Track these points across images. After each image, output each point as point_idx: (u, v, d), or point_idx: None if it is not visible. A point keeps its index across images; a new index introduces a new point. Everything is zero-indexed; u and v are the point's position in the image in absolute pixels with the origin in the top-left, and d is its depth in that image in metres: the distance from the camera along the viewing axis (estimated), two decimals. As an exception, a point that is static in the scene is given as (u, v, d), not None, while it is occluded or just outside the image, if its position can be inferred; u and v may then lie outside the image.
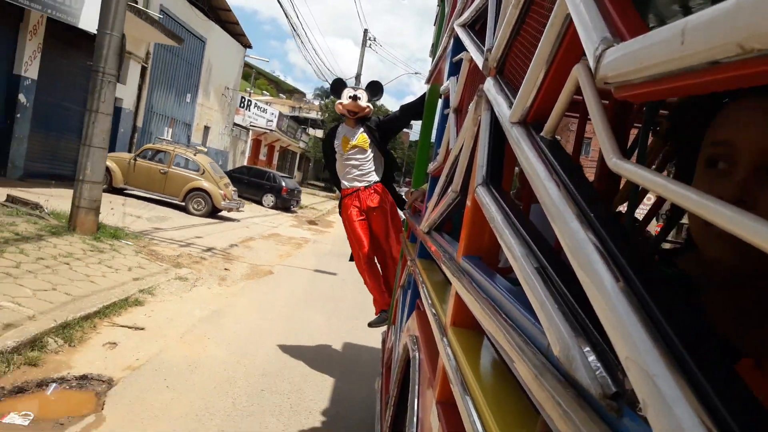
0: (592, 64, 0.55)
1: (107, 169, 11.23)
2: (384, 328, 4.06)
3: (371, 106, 4.19)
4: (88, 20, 9.61)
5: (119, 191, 12.40)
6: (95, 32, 7.15)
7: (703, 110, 0.82)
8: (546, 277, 0.66)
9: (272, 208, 18.17)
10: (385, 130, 4.22)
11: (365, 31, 25.99)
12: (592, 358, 0.49)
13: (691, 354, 0.36)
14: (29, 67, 10.32)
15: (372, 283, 4.22)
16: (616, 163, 0.53)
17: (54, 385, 3.25)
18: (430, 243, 1.74)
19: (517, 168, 1.07)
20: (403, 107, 4.21)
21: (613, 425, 0.44)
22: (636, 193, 1.50)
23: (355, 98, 4.05)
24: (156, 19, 11.07)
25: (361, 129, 4.15)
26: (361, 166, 4.14)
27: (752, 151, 0.66)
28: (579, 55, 0.65)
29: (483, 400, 0.83)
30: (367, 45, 24.64)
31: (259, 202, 18.13)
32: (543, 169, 0.69)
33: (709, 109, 0.77)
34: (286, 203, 18.43)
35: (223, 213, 13.24)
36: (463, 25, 1.81)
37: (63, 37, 10.82)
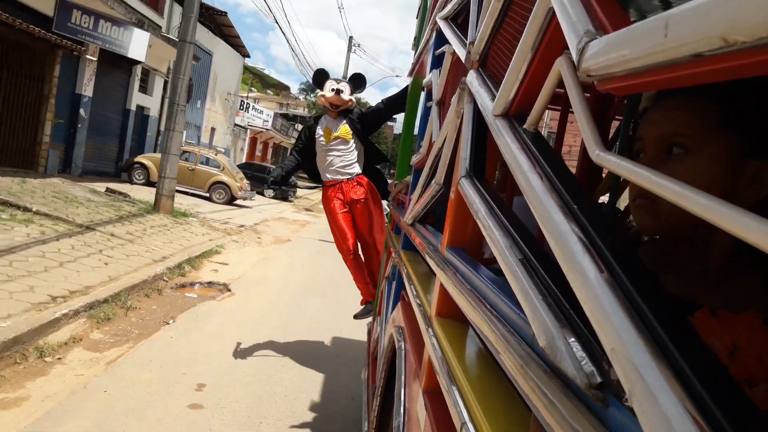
0: (575, 56, 0.56)
1: (144, 165, 14.89)
2: (369, 319, 4.07)
3: (354, 100, 4.17)
4: (134, 51, 13.57)
5: (153, 185, 13.53)
6: (139, 59, 13.65)
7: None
8: (530, 269, 0.66)
9: (273, 198, 21.41)
10: (367, 122, 4.20)
11: (350, 39, 28.41)
12: (577, 348, 0.50)
13: (676, 345, 0.37)
14: (87, 87, 13.47)
15: (356, 275, 4.22)
16: (599, 156, 0.53)
17: (197, 284, 6.47)
18: (414, 235, 1.74)
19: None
20: (385, 100, 4.18)
21: (600, 415, 0.45)
22: (617, 184, 1.52)
23: (338, 92, 4.02)
24: (176, 41, 12.81)
25: (344, 121, 4.13)
26: (343, 158, 4.12)
27: (651, 140, 0.83)
28: (562, 48, 0.65)
29: (469, 389, 0.83)
30: (353, 51, 26.41)
31: (261, 193, 20.72)
32: (526, 161, 0.69)
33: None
34: (284, 194, 21.71)
35: (239, 201, 16.44)
36: (445, 18, 1.81)
37: (111, 62, 14.15)
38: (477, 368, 0.95)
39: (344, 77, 4.30)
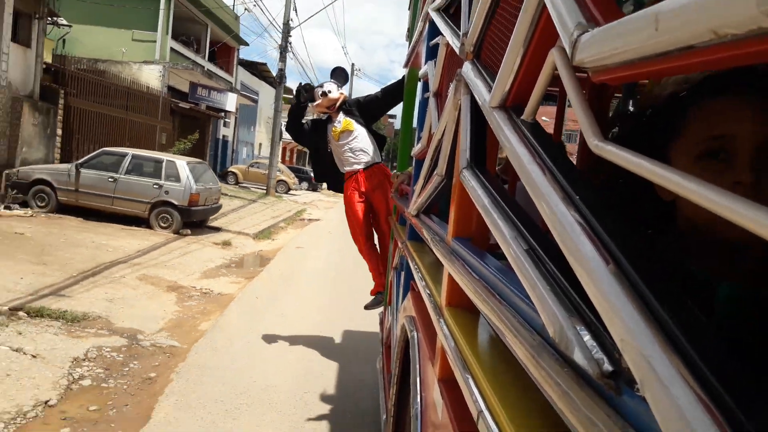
0: (568, 48, 0.56)
1: (234, 173, 24.54)
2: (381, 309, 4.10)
3: (344, 93, 4.31)
4: (228, 105, 21.58)
5: (239, 184, 24.11)
6: (230, 110, 22.71)
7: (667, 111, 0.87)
8: (536, 259, 0.67)
9: (307, 189, 30.14)
10: (366, 110, 4.30)
11: (352, 65, 36.54)
12: (587, 338, 0.50)
13: (686, 335, 0.38)
14: (225, 131, 25.35)
15: (371, 264, 4.29)
16: (598, 146, 0.54)
17: (306, 219, 16.28)
18: (420, 226, 1.75)
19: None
20: (383, 89, 4.30)
21: (613, 404, 0.46)
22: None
23: (324, 94, 4.16)
24: (240, 90, 24.05)
25: (342, 115, 4.22)
26: (352, 147, 4.21)
27: (750, 141, 0.75)
28: (555, 38, 0.65)
29: (483, 377, 0.85)
30: (356, 75, 32.90)
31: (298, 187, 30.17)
32: (526, 152, 0.70)
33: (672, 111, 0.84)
34: (314, 187, 30.65)
35: (292, 192, 25.82)
36: (437, 10, 1.80)
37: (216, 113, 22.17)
38: (490, 356, 0.97)
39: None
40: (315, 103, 4.21)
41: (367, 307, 4.34)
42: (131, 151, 10.27)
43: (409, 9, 3.76)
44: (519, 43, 0.72)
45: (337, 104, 4.21)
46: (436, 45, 1.79)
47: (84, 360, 3.88)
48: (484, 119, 0.95)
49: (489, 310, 0.83)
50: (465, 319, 1.13)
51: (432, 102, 1.77)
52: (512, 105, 0.79)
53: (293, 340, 4.87)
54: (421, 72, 2.31)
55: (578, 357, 0.50)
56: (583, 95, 0.59)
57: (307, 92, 4.23)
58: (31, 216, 9.10)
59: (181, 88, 18.54)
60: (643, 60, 0.45)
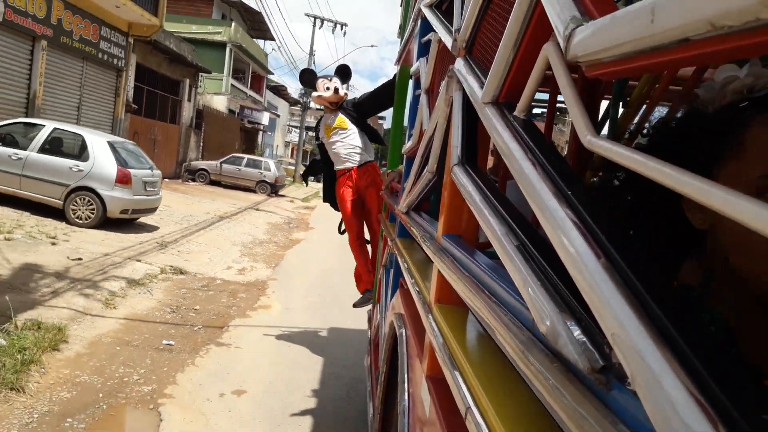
0: (562, 43, 0.56)
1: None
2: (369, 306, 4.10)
3: (347, 92, 4.37)
4: (264, 121, 30.22)
5: None
6: (265, 124, 32.66)
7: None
8: (527, 255, 0.67)
9: (313, 181, 34.61)
10: (361, 110, 4.35)
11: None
12: (577, 333, 0.50)
13: (677, 328, 0.37)
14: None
15: (360, 260, 4.29)
16: (591, 141, 0.54)
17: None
18: (410, 223, 1.75)
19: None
20: (377, 88, 4.33)
21: (603, 399, 0.46)
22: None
23: (336, 90, 4.19)
24: (268, 108, 32.51)
25: (339, 113, 4.27)
26: (345, 145, 4.25)
27: None
28: (548, 34, 0.65)
29: (472, 374, 0.84)
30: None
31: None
32: (518, 149, 0.70)
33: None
34: (318, 179, 37.51)
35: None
36: (429, 6, 1.79)
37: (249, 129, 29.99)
38: (479, 353, 0.96)
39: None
40: (317, 94, 4.25)
41: (355, 305, 4.34)
42: (245, 157, 20.64)
43: (401, 5, 3.76)
44: (512, 38, 0.72)
45: (340, 102, 4.26)
46: (428, 42, 1.78)
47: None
48: (475, 116, 0.94)
49: (478, 307, 0.83)
50: (454, 316, 1.12)
51: (423, 99, 1.77)
52: (504, 101, 0.79)
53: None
54: (412, 69, 2.31)
55: (568, 352, 0.50)
56: (576, 91, 0.58)
57: (309, 77, 4.36)
58: (197, 185, 18.69)
59: (233, 108, 26.90)
60: (638, 54, 0.45)
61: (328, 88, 4.20)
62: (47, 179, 7.96)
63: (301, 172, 4.94)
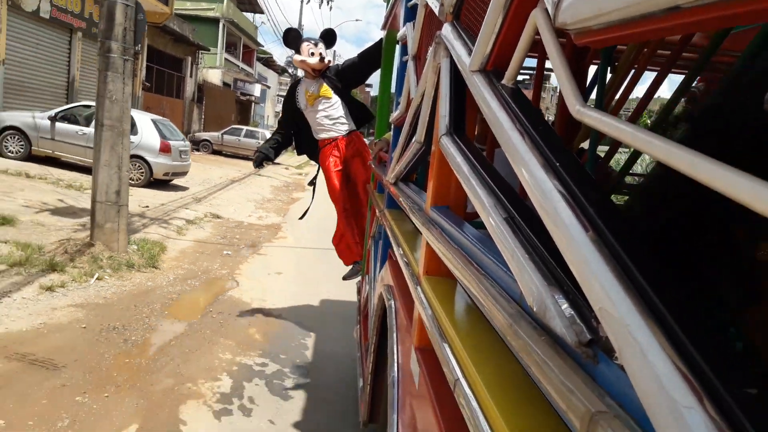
0: (550, 9, 0.54)
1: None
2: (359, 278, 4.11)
3: (331, 59, 4.16)
4: (256, 92, 32.06)
5: None
6: (257, 95, 34.39)
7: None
8: (515, 227, 0.66)
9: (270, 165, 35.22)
10: (345, 78, 4.16)
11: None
12: (565, 306, 0.50)
13: (664, 302, 0.37)
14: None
15: (349, 232, 4.23)
16: (579, 111, 0.53)
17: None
18: (398, 194, 1.73)
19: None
20: (361, 54, 4.14)
21: (590, 372, 0.46)
22: (597, 131, 1.51)
23: (321, 58, 4.00)
24: (258, 79, 32.52)
25: (322, 81, 4.08)
26: (330, 115, 4.09)
27: None
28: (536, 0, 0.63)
29: (460, 345, 0.85)
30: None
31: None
32: (506, 118, 0.68)
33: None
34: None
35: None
36: (416, -32, 1.75)
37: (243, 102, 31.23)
38: (467, 324, 0.97)
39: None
40: (300, 58, 4.03)
41: (345, 278, 4.32)
42: (243, 128, 21.84)
43: None
44: (500, 3, 0.69)
45: (323, 69, 4.07)
46: (415, 6, 1.74)
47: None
48: (464, 84, 0.93)
49: (467, 279, 0.83)
50: (442, 288, 1.12)
51: (411, 65, 1.73)
52: (493, 69, 0.77)
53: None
54: (399, 34, 2.26)
55: (556, 325, 0.50)
56: (565, 59, 0.57)
57: (293, 38, 4.11)
58: (201, 154, 19.43)
59: (228, 81, 27.82)
60: (627, 22, 0.44)
61: (312, 54, 4.00)
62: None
63: (255, 164, 4.54)
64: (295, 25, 29.61)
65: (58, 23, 12.71)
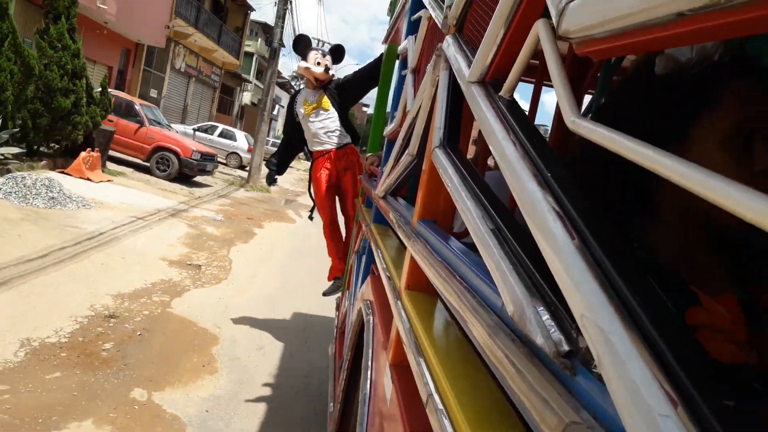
0: (554, 17, 0.54)
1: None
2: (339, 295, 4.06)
3: (334, 73, 4.18)
4: (275, 111, 40.29)
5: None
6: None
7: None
8: (501, 238, 0.65)
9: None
10: (346, 92, 4.15)
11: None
12: (546, 317, 0.49)
13: (645, 311, 0.36)
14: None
15: (333, 248, 4.20)
16: (575, 122, 0.52)
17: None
18: (386, 208, 1.72)
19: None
20: (362, 68, 4.16)
21: (567, 384, 0.44)
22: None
23: (326, 69, 4.02)
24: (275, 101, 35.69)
25: (323, 92, 4.08)
26: (326, 126, 4.08)
27: None
28: (540, 12, 0.63)
29: (436, 360, 0.83)
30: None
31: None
32: (501, 129, 0.68)
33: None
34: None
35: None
36: (422, -18, 1.76)
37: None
38: (445, 340, 0.95)
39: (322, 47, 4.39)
40: (305, 65, 4.03)
41: (325, 294, 4.27)
42: (270, 140, 26.23)
43: None
44: (504, 14, 0.69)
45: (326, 82, 4.09)
46: (418, 19, 1.74)
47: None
48: (461, 96, 0.92)
49: (448, 291, 0.81)
50: (423, 303, 1.11)
51: (409, 79, 1.73)
52: (491, 80, 0.77)
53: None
54: (400, 47, 2.25)
55: (535, 335, 0.49)
56: (564, 69, 0.57)
57: (303, 44, 4.12)
58: None
59: (255, 102, 35.22)
60: (629, 30, 0.43)
61: (319, 63, 4.01)
62: (221, 148, 19.62)
63: (266, 175, 4.81)
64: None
65: (182, 74, 23.13)
